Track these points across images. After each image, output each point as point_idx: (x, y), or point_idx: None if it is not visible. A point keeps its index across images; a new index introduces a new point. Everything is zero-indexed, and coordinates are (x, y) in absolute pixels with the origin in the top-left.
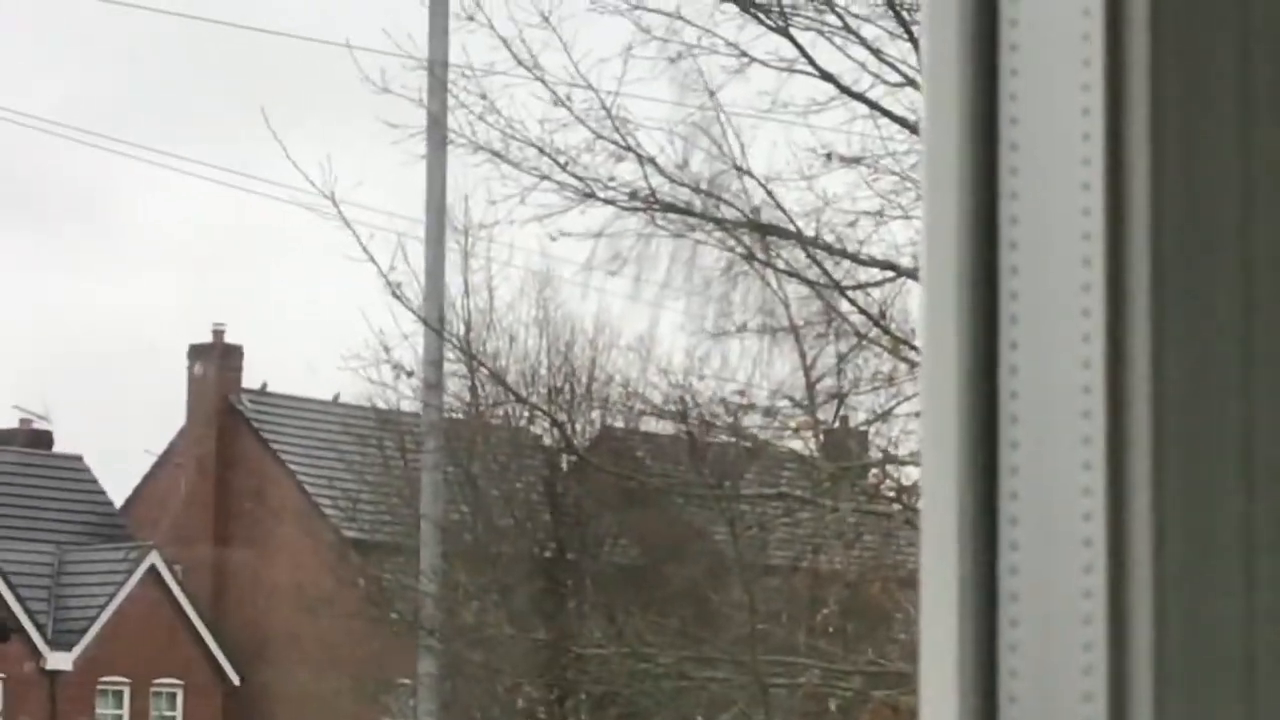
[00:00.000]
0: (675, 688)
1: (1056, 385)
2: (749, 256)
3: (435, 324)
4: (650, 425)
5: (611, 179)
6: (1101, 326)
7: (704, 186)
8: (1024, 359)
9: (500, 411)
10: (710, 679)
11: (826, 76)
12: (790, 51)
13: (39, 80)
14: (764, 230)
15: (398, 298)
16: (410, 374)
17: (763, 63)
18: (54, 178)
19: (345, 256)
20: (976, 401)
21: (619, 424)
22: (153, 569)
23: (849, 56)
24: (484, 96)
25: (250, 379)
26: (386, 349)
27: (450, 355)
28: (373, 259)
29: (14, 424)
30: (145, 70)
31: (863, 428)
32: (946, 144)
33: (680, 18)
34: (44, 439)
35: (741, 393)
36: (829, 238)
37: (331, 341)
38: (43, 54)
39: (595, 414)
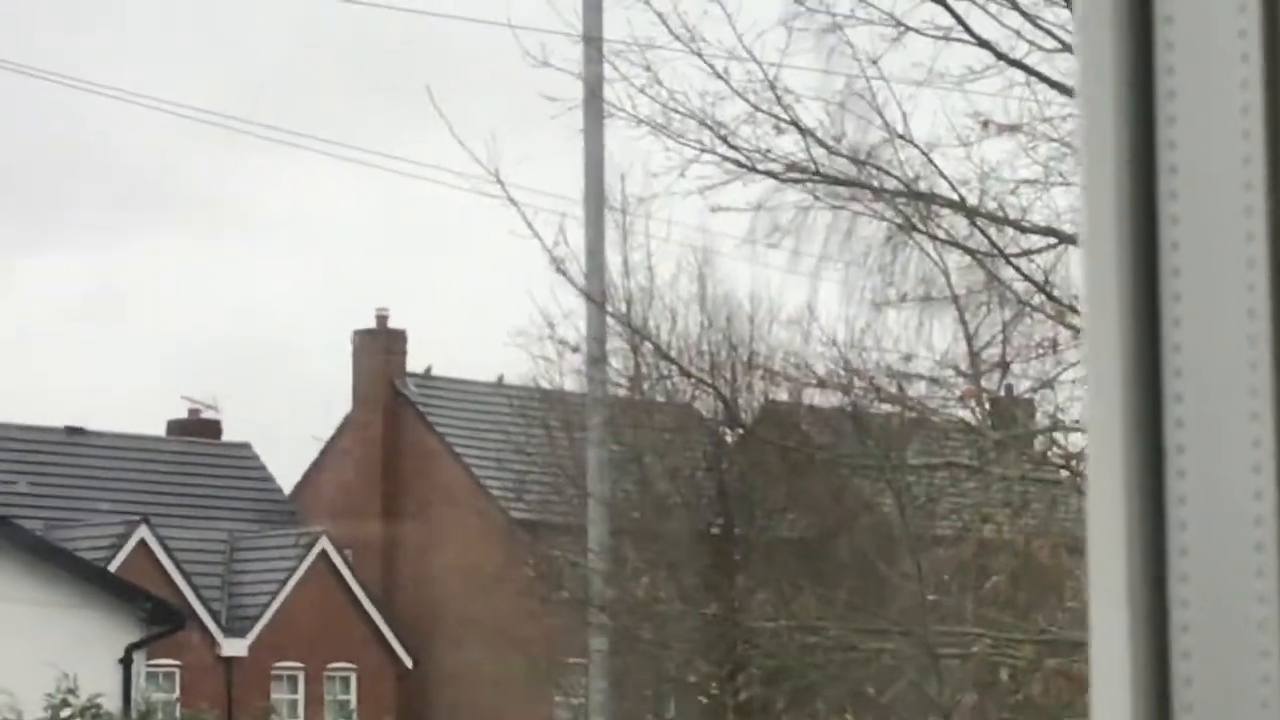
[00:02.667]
0: (845, 660)
1: (1221, 335)
2: (908, 226)
3: (598, 299)
4: (813, 398)
5: (769, 151)
6: (1265, 276)
7: (863, 157)
8: (1186, 311)
9: (664, 387)
10: (880, 650)
11: (983, 43)
12: (946, 19)
13: (189, 66)
14: (923, 199)
15: (562, 273)
16: (575, 349)
17: (918, 31)
18: (210, 168)
19: (510, 233)
20: (1140, 355)
21: (782, 397)
22: (323, 554)
23: (1004, 24)
24: (648, 68)
25: (414, 363)
26: (551, 325)
27: (613, 331)
28: (538, 235)
29: (183, 414)
30: (301, 55)
31: (1028, 395)
32: (1101, 92)
33: None
34: (212, 428)
35: (906, 360)
36: (990, 205)
37: (493, 323)
38: (196, 39)
39: (759, 387)
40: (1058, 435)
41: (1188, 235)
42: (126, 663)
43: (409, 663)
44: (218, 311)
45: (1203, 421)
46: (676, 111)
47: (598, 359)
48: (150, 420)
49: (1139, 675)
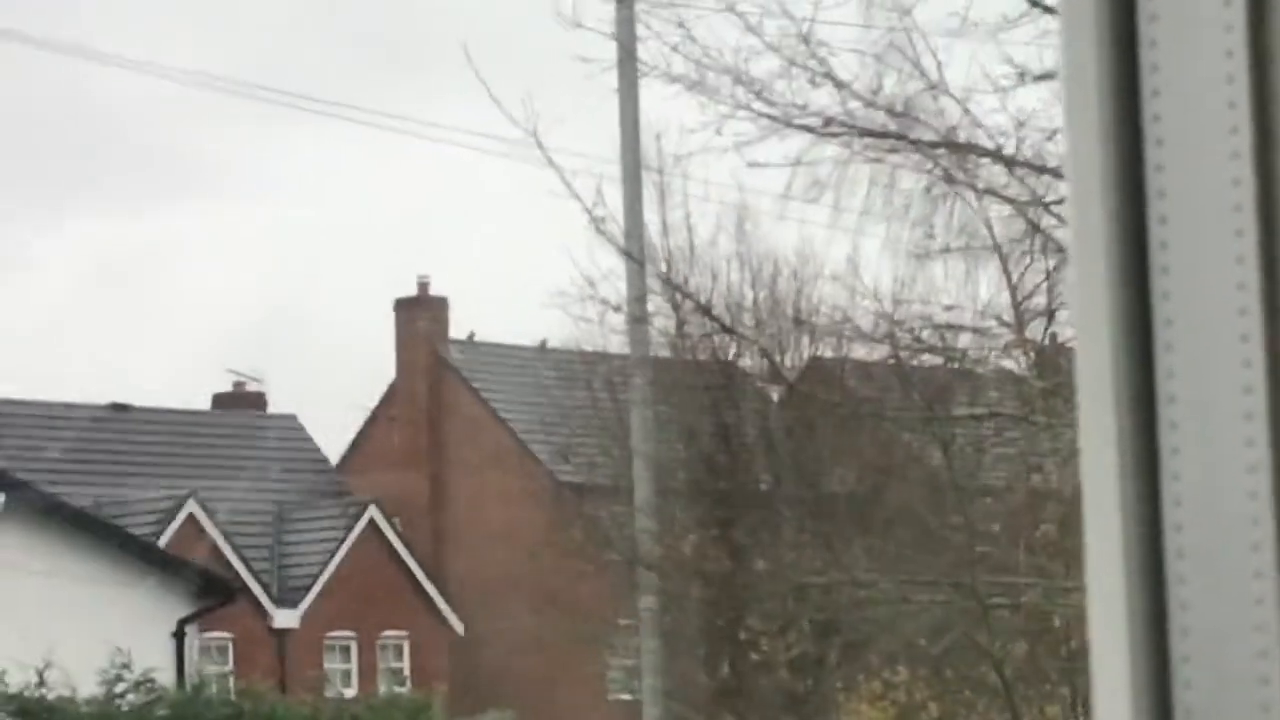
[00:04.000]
0: (896, 613)
1: (1213, 335)
2: (948, 177)
3: (638, 258)
4: (858, 353)
5: (805, 106)
6: (1256, 273)
7: (900, 108)
8: (1177, 310)
9: (707, 345)
10: (931, 602)
11: None
12: None
13: (207, 35)
14: (962, 150)
15: (602, 233)
16: (617, 309)
17: None
18: (239, 137)
19: (550, 193)
20: (1131, 357)
21: (827, 353)
22: (372, 523)
23: None
24: (680, 25)
25: (456, 329)
26: (592, 284)
27: (654, 290)
28: (577, 196)
29: (228, 387)
30: (330, 21)
31: (1073, 344)
32: (1087, 103)
33: None
34: (257, 400)
35: (949, 311)
36: (1028, 154)
37: (534, 287)
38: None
39: (803, 343)
40: None
41: (1176, 235)
42: (179, 636)
43: (460, 629)
44: (254, 284)
45: (1196, 422)
46: (710, 69)
47: (639, 318)
48: (193, 394)
49: (1139, 678)
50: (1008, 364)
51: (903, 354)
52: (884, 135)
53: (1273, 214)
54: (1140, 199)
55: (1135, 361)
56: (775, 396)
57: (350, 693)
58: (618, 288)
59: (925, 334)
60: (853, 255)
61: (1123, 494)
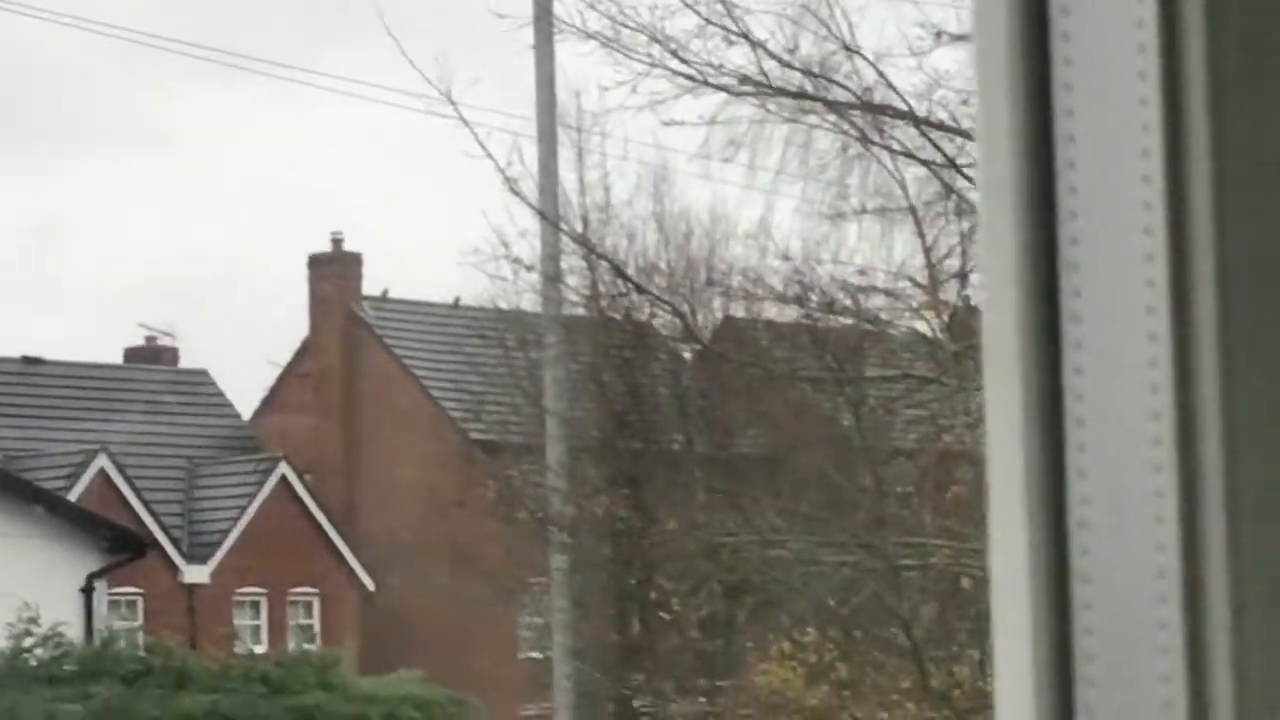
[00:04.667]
0: (806, 573)
1: (1120, 332)
2: (863, 139)
3: (552, 217)
4: (772, 313)
5: (721, 65)
6: (1164, 270)
7: (815, 69)
8: (1086, 307)
9: (621, 305)
10: (842, 563)
11: None
12: None
13: None
14: (877, 111)
15: (515, 193)
16: (530, 268)
17: None
18: (148, 92)
19: (464, 155)
20: (1040, 358)
21: (740, 313)
22: (283, 479)
23: None
24: None
25: (370, 286)
26: (505, 244)
27: (569, 250)
28: (490, 155)
29: (140, 342)
30: None
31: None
32: (999, 122)
33: None
34: (170, 355)
35: (862, 273)
36: (942, 115)
37: (449, 246)
38: None
39: (716, 304)
40: None
41: (1086, 230)
42: (88, 591)
43: (371, 586)
44: (168, 240)
45: (1103, 420)
46: (626, 26)
47: (553, 277)
48: (105, 349)
49: (1042, 674)
50: (920, 326)
51: (815, 315)
52: (799, 96)
53: (1181, 189)
54: (1050, 170)
55: (1043, 359)
56: (688, 357)
57: (260, 649)
58: (533, 246)
59: (838, 295)
60: (767, 215)
61: (1028, 487)
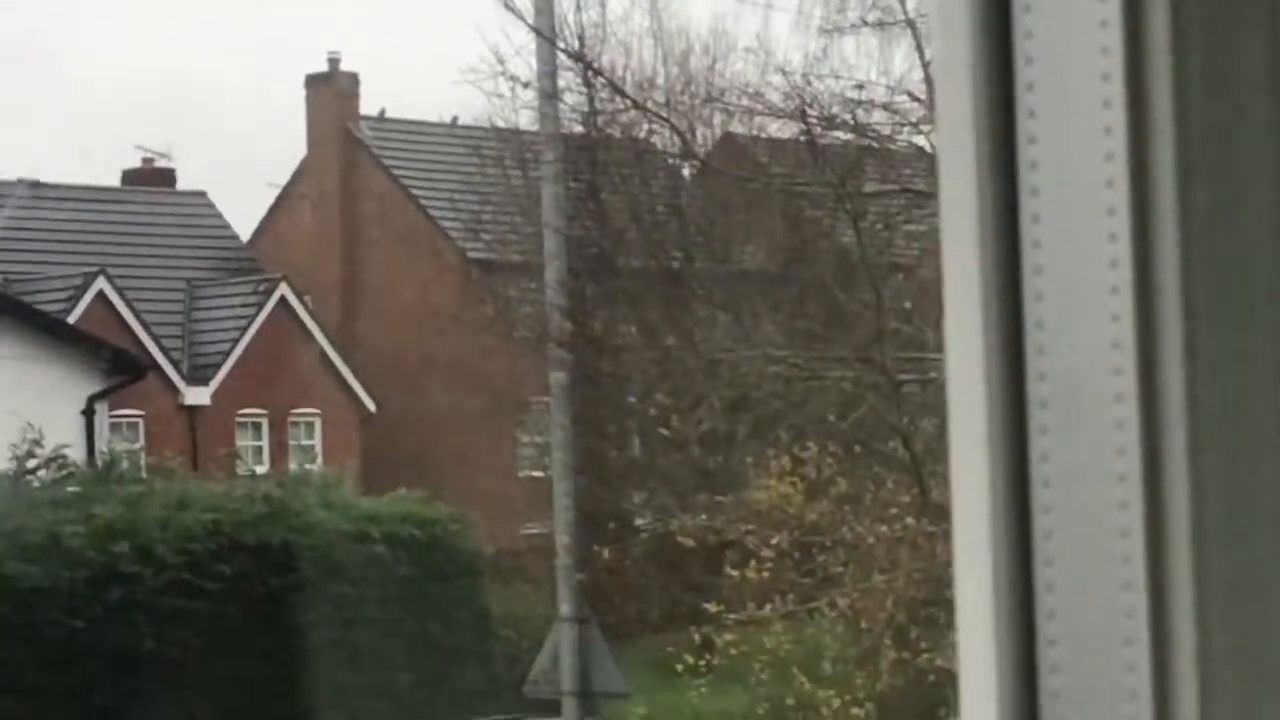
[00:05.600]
0: (806, 389)
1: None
2: None
3: (548, 34)
4: (772, 129)
5: None
6: (1128, 251)
7: None
8: (1048, 286)
9: (620, 121)
10: (841, 378)
11: None
12: None
13: None
14: None
15: (509, 8)
16: (526, 85)
17: None
18: None
19: None
20: (1002, 324)
21: (739, 129)
22: (283, 300)
23: None
24: None
25: (367, 106)
26: (501, 61)
27: (566, 68)
28: None
29: (137, 164)
30: None
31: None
32: (960, 94)
33: None
34: (167, 177)
35: (860, 87)
36: None
37: (446, 64)
38: None
39: (715, 120)
40: None
41: (1048, 235)
42: (89, 414)
43: (372, 406)
44: (161, 61)
45: (1066, 400)
46: None
47: (550, 94)
48: (102, 171)
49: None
50: (920, 141)
51: (814, 129)
52: None
53: (1144, 196)
54: (1012, 173)
55: (1006, 329)
56: (687, 173)
57: (261, 470)
58: (529, 64)
59: (836, 110)
60: (764, 30)
61: (994, 509)
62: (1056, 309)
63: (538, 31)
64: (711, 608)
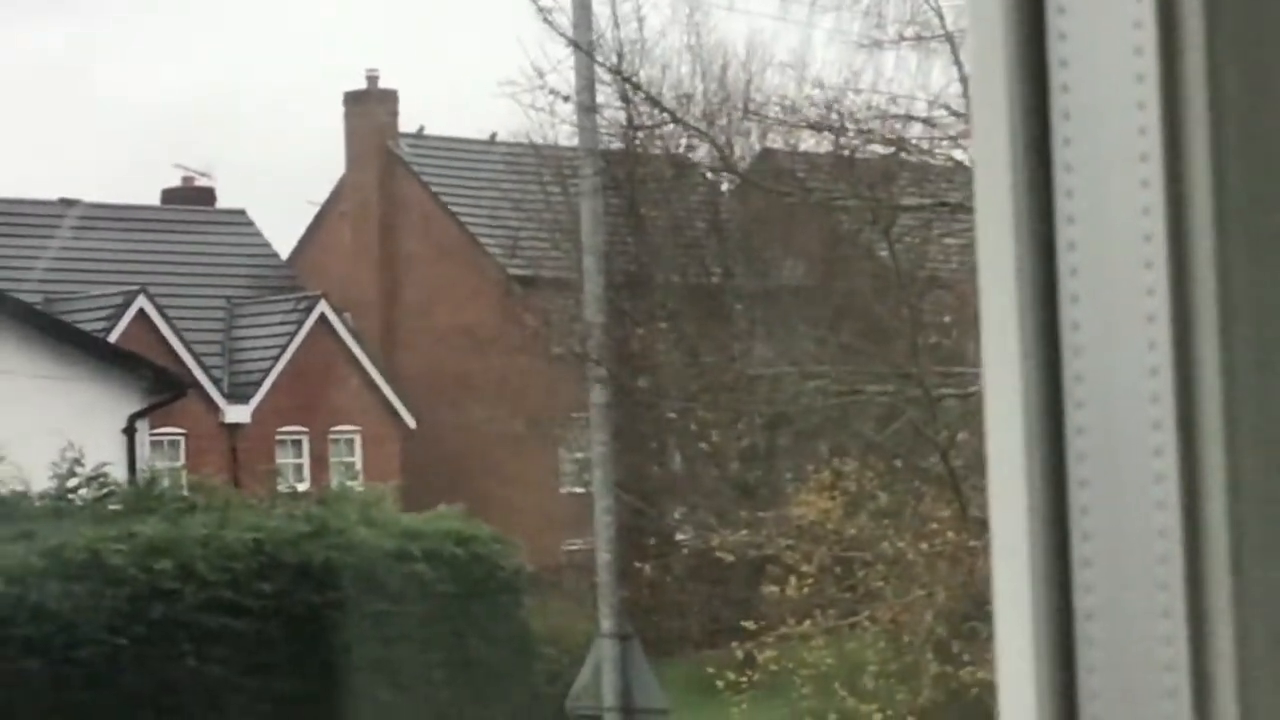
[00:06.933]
0: (844, 403)
1: (1120, 339)
2: None
3: (585, 46)
4: (810, 144)
5: None
6: (1165, 276)
7: None
8: (1084, 316)
9: (658, 136)
10: (881, 393)
11: None
12: None
13: None
14: None
15: (548, 22)
16: (566, 98)
17: None
18: None
19: None
20: (1040, 368)
21: (778, 145)
22: (323, 318)
23: None
24: None
25: (406, 123)
26: (540, 73)
27: (605, 82)
28: None
29: (177, 182)
30: None
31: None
32: (994, 96)
33: None
34: (207, 196)
35: (894, 101)
36: None
37: (485, 81)
38: None
39: (753, 135)
40: None
41: (1084, 239)
42: (130, 432)
43: (412, 423)
44: (201, 81)
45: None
46: None
47: (588, 108)
48: (142, 190)
49: (1044, 688)
50: (958, 155)
51: (852, 144)
52: None
53: (1179, 191)
54: (1048, 172)
55: (1043, 367)
56: (725, 189)
57: (302, 487)
58: (568, 79)
59: (874, 124)
60: (803, 46)
61: (1030, 505)
62: (1092, 332)
63: (575, 44)
64: (752, 624)
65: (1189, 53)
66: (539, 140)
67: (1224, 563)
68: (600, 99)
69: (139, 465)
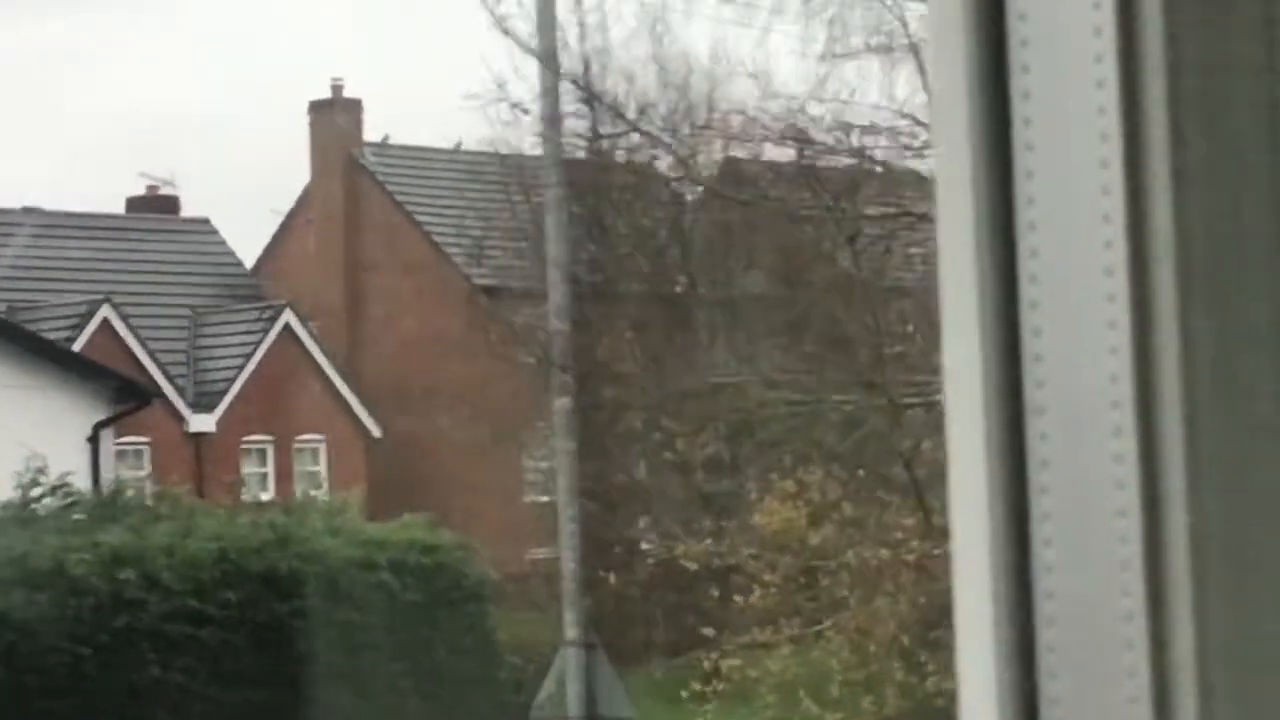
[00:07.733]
0: (809, 412)
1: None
2: None
3: (550, 59)
4: (771, 153)
5: None
6: (1124, 258)
7: None
8: (1045, 319)
9: (622, 147)
10: (844, 402)
11: None
12: None
13: None
14: None
15: (506, 32)
16: (527, 111)
17: None
18: None
19: None
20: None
21: (741, 154)
22: (287, 327)
23: None
24: None
25: (370, 132)
26: (501, 86)
27: (569, 92)
28: None
29: (141, 191)
30: None
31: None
32: (956, 100)
33: None
34: (171, 204)
35: (850, 108)
36: None
37: (450, 90)
38: None
39: (717, 145)
40: None
41: (1044, 244)
42: (94, 441)
43: (377, 432)
44: (164, 89)
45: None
46: None
47: (552, 119)
48: (106, 199)
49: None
50: (920, 165)
51: (814, 153)
52: None
53: (1139, 201)
54: (1008, 177)
55: (1003, 357)
56: (689, 198)
57: (267, 496)
58: (532, 89)
59: (837, 134)
60: (766, 56)
61: (990, 489)
62: (1052, 313)
63: (536, 55)
64: (717, 632)
65: (1147, 34)
66: (504, 149)
67: (1183, 541)
68: (564, 109)
69: (103, 475)
